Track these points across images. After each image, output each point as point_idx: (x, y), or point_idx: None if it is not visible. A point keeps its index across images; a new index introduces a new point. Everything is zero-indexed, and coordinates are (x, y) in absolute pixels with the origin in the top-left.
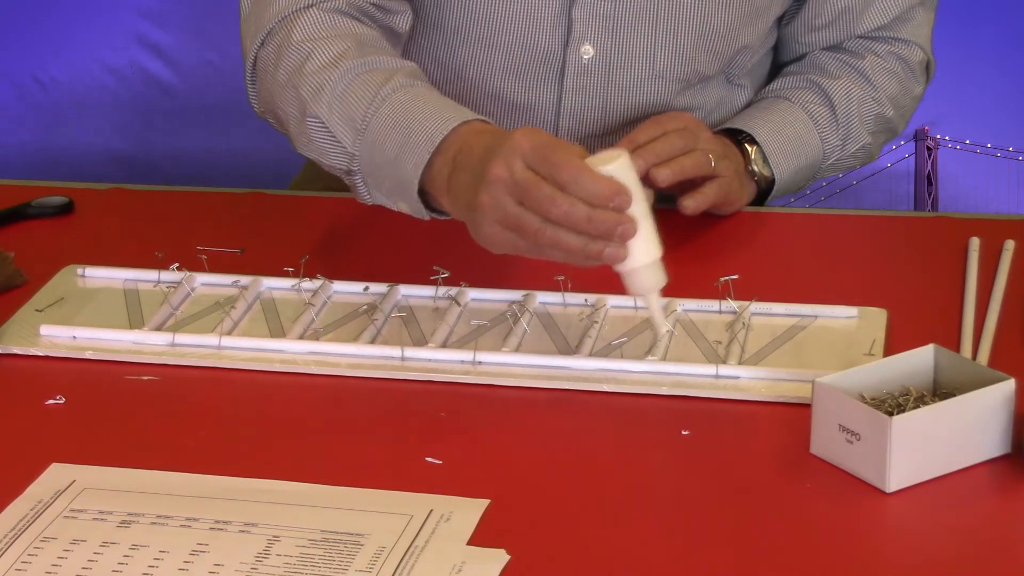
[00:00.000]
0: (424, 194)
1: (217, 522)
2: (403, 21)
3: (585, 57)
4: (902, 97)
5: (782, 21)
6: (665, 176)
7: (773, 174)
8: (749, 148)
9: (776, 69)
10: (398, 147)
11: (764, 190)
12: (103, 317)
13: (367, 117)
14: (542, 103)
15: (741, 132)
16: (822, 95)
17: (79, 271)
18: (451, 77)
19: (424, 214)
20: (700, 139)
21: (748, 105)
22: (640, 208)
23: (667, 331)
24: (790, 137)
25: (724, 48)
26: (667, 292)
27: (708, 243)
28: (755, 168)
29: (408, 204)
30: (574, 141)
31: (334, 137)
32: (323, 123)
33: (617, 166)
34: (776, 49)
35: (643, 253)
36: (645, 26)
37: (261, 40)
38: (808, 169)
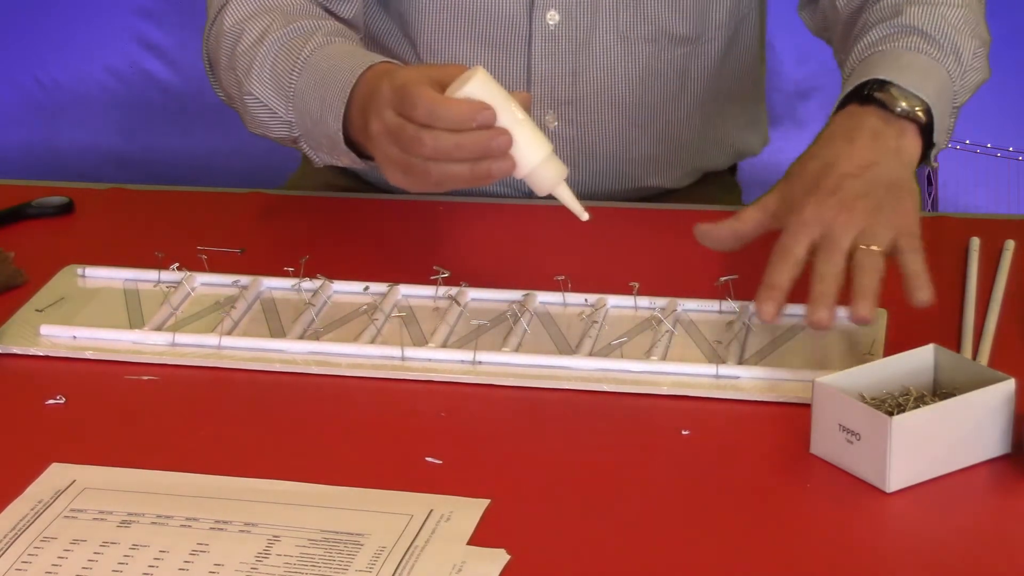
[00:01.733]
0: (356, 144)
1: (217, 522)
2: (347, 8)
3: (551, 23)
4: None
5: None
6: (870, 314)
7: (922, 100)
8: (880, 95)
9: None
10: (320, 106)
11: (926, 125)
12: (103, 317)
13: (292, 84)
14: (512, 72)
15: (863, 88)
16: (904, 29)
17: (79, 271)
18: (422, 52)
19: (361, 163)
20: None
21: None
22: (510, 115)
23: (588, 217)
24: (907, 66)
25: (690, 4)
26: (667, 292)
27: None
28: (903, 105)
29: (348, 157)
30: (546, 108)
31: (271, 110)
32: (258, 99)
33: (473, 84)
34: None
35: (531, 154)
36: None
37: (206, 32)
38: (946, 92)
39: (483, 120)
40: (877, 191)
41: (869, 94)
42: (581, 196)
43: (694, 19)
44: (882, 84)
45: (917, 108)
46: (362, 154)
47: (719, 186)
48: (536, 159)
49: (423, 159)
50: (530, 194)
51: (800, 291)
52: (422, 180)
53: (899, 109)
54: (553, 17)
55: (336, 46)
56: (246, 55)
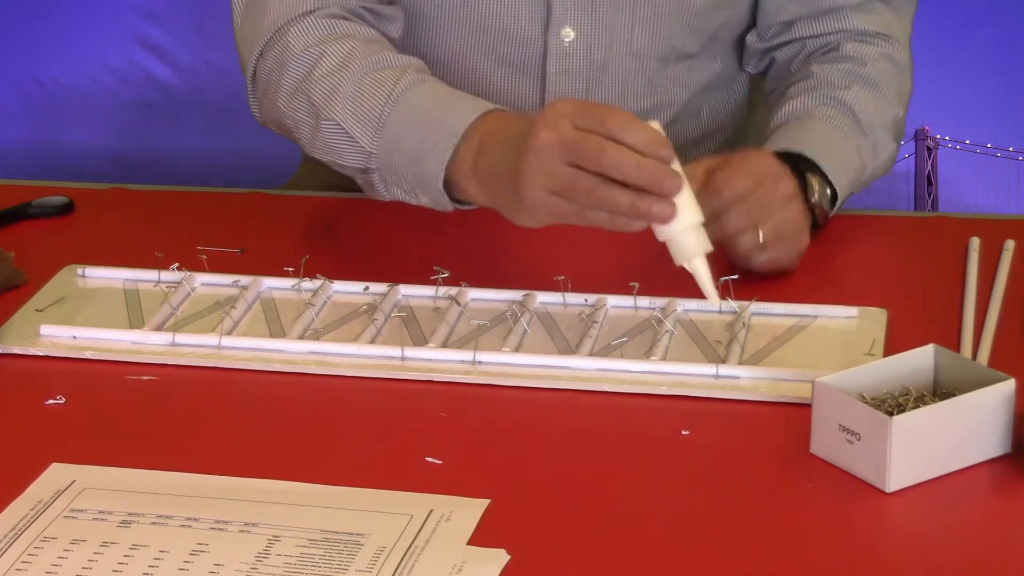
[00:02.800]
0: (448, 184)
1: (217, 522)
2: (396, 28)
3: (566, 40)
4: (903, 96)
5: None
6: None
7: (834, 200)
8: (809, 176)
9: (763, 74)
10: (418, 142)
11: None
12: (103, 317)
13: (384, 115)
14: (527, 89)
15: (800, 158)
16: (842, 107)
17: (79, 271)
18: (435, 69)
19: (448, 206)
20: (766, 210)
21: (716, 85)
22: (679, 170)
23: (719, 304)
24: (838, 155)
25: (702, 25)
26: (667, 292)
27: None
28: (815, 199)
29: (430, 197)
30: None
31: (351, 138)
32: (338, 125)
33: (657, 125)
34: (761, 49)
35: (687, 214)
36: (624, 5)
37: (259, 51)
38: (853, 184)
39: (666, 155)
40: (796, 224)
41: (801, 170)
42: None
43: (702, 38)
44: (811, 165)
45: (824, 205)
46: (451, 196)
47: None
48: (690, 220)
49: (592, 178)
50: None
51: (795, 292)
52: (577, 198)
53: (812, 200)
54: (568, 34)
55: (434, 84)
56: (326, 80)
